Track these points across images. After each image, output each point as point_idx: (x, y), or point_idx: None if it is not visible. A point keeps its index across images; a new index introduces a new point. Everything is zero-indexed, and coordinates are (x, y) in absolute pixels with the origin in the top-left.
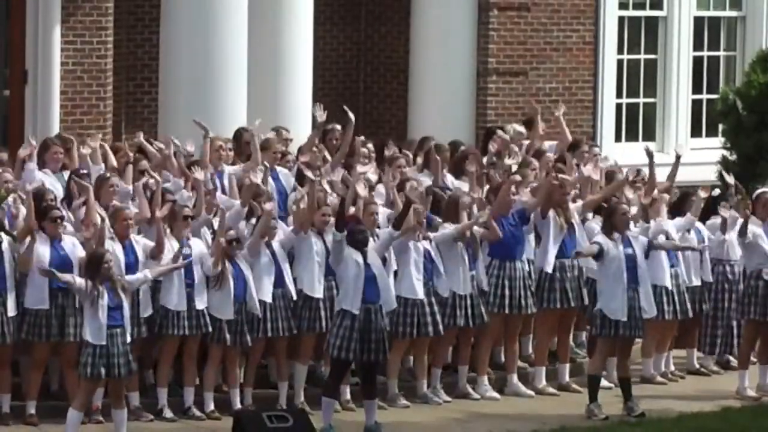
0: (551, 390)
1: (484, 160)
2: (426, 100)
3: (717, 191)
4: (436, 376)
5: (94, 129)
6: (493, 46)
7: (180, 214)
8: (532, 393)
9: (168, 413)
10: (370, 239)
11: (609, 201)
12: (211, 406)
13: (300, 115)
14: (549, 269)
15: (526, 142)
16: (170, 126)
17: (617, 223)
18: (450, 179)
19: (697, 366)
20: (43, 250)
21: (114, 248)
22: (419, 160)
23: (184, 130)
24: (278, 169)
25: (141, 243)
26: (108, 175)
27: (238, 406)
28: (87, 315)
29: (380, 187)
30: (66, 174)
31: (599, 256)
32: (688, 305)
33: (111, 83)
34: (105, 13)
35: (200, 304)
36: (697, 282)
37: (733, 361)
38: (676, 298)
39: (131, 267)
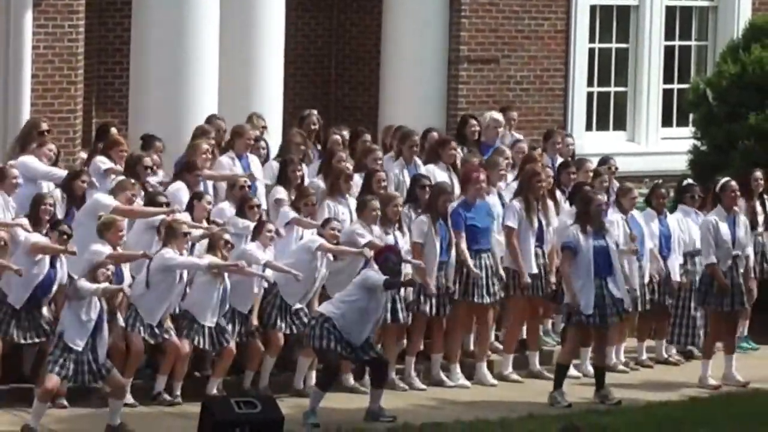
0: (515, 377)
1: (459, 150)
2: (398, 88)
3: (688, 180)
4: (410, 364)
5: (65, 113)
6: (465, 34)
7: (179, 231)
8: (495, 382)
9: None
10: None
11: (584, 192)
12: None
13: (272, 102)
14: (534, 270)
15: (501, 130)
16: (141, 110)
17: (592, 215)
18: (424, 167)
19: (666, 356)
20: None
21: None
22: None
23: (155, 115)
24: (249, 156)
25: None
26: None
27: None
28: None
29: (357, 177)
30: None
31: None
32: (648, 297)
33: (82, 67)
34: None
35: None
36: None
37: (697, 353)
38: (637, 290)
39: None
